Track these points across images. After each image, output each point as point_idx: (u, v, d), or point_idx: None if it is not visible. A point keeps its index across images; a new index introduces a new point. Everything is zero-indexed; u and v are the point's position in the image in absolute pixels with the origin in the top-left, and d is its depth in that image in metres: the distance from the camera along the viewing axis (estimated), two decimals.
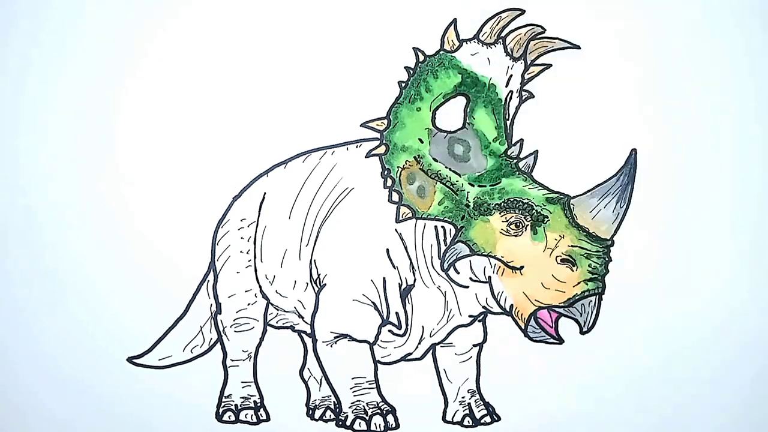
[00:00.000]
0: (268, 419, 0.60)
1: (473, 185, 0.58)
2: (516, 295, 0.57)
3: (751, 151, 0.58)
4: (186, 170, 0.60)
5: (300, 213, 0.59)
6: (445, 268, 0.58)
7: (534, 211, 0.57)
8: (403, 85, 0.58)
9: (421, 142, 0.58)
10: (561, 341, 0.58)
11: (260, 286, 0.60)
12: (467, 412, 0.59)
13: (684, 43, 0.58)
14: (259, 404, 0.60)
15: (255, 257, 0.60)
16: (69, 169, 0.60)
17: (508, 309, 0.58)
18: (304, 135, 0.59)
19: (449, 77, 0.58)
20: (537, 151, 0.58)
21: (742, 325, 0.57)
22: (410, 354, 0.59)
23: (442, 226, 0.58)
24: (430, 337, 0.59)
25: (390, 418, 0.58)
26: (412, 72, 0.58)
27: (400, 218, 0.58)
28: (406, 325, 0.59)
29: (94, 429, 0.59)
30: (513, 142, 0.58)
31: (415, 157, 0.58)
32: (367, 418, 0.58)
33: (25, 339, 0.60)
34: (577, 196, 0.57)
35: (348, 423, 0.59)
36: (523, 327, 0.58)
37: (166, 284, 0.59)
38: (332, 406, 0.60)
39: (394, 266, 0.58)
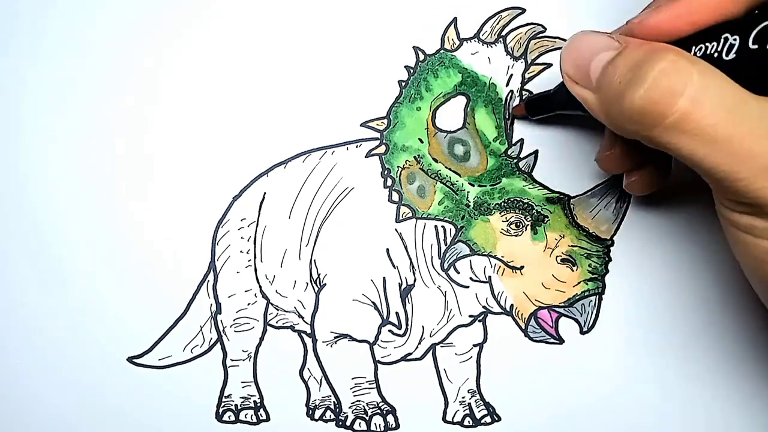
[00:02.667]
0: (268, 419, 0.60)
1: (473, 185, 0.58)
2: (516, 295, 0.57)
3: None
4: (186, 170, 0.60)
5: (300, 213, 0.59)
6: (446, 267, 0.58)
7: (534, 211, 0.57)
8: (403, 84, 0.58)
9: (421, 141, 0.58)
10: (561, 341, 0.58)
11: (260, 286, 0.60)
12: (467, 412, 0.59)
13: None
14: (259, 404, 0.60)
15: (255, 257, 0.60)
16: (68, 169, 0.60)
17: (508, 309, 0.58)
18: (304, 135, 0.59)
19: (449, 76, 0.58)
20: (537, 151, 0.58)
21: (743, 324, 0.57)
22: (410, 354, 0.59)
23: (442, 226, 0.58)
24: (431, 337, 0.59)
25: (390, 418, 0.59)
26: (412, 71, 0.58)
27: (400, 218, 0.58)
28: (406, 325, 0.59)
29: (93, 429, 0.59)
30: (513, 142, 0.58)
31: (415, 157, 0.58)
32: (367, 418, 0.59)
33: (24, 339, 0.60)
34: (577, 196, 0.57)
35: (348, 423, 0.59)
36: (523, 327, 0.58)
37: (165, 284, 0.59)
38: (332, 406, 0.60)
39: (394, 266, 0.59)
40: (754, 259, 0.44)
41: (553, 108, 0.54)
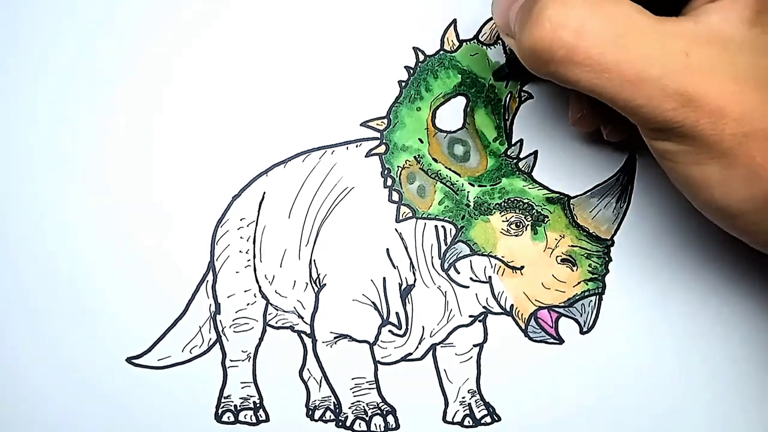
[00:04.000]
0: (267, 420, 0.59)
1: (473, 185, 0.58)
2: (516, 295, 0.57)
3: None
4: (186, 170, 0.59)
5: (300, 212, 0.59)
6: (446, 268, 0.58)
7: (534, 211, 0.57)
8: (403, 84, 0.58)
9: (421, 141, 0.58)
10: (561, 341, 0.58)
11: (260, 286, 0.60)
12: (467, 412, 0.59)
13: None
14: (258, 405, 0.60)
15: (254, 257, 0.60)
16: (68, 168, 0.60)
17: (508, 309, 0.58)
18: (304, 135, 0.59)
19: (449, 77, 0.58)
20: (537, 151, 0.58)
21: (744, 323, 0.57)
22: (410, 354, 0.59)
23: (443, 226, 0.58)
24: (431, 337, 0.59)
25: (390, 419, 0.58)
26: (412, 72, 0.58)
27: (400, 218, 0.58)
28: (407, 325, 0.59)
29: (93, 429, 0.59)
30: (513, 142, 0.58)
31: (415, 157, 0.58)
32: (367, 418, 0.58)
33: (23, 339, 0.60)
34: (577, 196, 0.57)
35: (348, 423, 0.59)
36: (523, 327, 0.58)
37: (165, 284, 0.59)
38: (332, 407, 0.59)
39: (394, 266, 0.58)
40: (680, 184, 0.45)
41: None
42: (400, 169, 0.58)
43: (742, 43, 0.41)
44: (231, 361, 0.60)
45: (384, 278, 0.58)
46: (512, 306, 0.58)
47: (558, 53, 0.41)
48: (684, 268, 0.57)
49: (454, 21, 0.59)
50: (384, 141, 0.58)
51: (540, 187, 0.58)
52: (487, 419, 0.58)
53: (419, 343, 0.59)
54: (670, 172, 0.45)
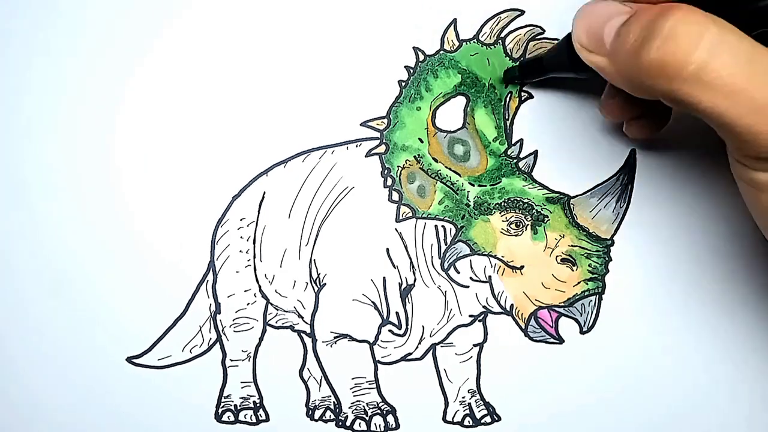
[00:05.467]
0: (267, 419, 0.59)
1: (473, 185, 0.58)
2: (516, 294, 0.57)
3: None
4: (185, 170, 0.60)
5: (300, 212, 0.59)
6: (446, 267, 0.58)
7: (534, 210, 0.57)
8: (403, 84, 0.58)
9: (421, 141, 0.58)
10: (561, 341, 0.58)
11: (260, 286, 0.60)
12: (467, 412, 0.59)
13: None
14: (258, 404, 0.60)
15: (254, 257, 0.60)
16: (68, 168, 0.60)
17: (508, 309, 0.58)
18: (304, 134, 0.59)
19: (449, 77, 0.58)
20: (537, 151, 0.58)
21: (743, 324, 0.57)
22: (410, 354, 0.59)
23: (443, 226, 0.58)
24: (431, 337, 0.59)
25: (390, 419, 0.58)
26: (412, 71, 0.58)
27: (400, 218, 0.58)
28: (406, 325, 0.59)
29: (92, 429, 0.59)
30: (513, 142, 0.58)
31: (415, 157, 0.58)
32: (367, 418, 0.58)
33: (23, 339, 0.60)
34: (577, 196, 0.57)
35: (348, 423, 0.59)
36: (523, 327, 0.58)
37: (165, 284, 0.59)
38: (332, 407, 0.59)
39: (394, 266, 0.58)
40: None
41: (546, 71, 0.54)
42: (400, 168, 0.58)
43: None
44: (231, 360, 0.60)
45: (384, 278, 0.58)
46: (512, 306, 0.58)
47: (688, 69, 0.40)
48: (684, 268, 0.57)
49: (454, 21, 0.59)
50: (384, 141, 0.58)
51: (540, 187, 0.58)
52: (487, 419, 0.58)
53: (419, 343, 0.59)
54: (764, 205, 0.45)
